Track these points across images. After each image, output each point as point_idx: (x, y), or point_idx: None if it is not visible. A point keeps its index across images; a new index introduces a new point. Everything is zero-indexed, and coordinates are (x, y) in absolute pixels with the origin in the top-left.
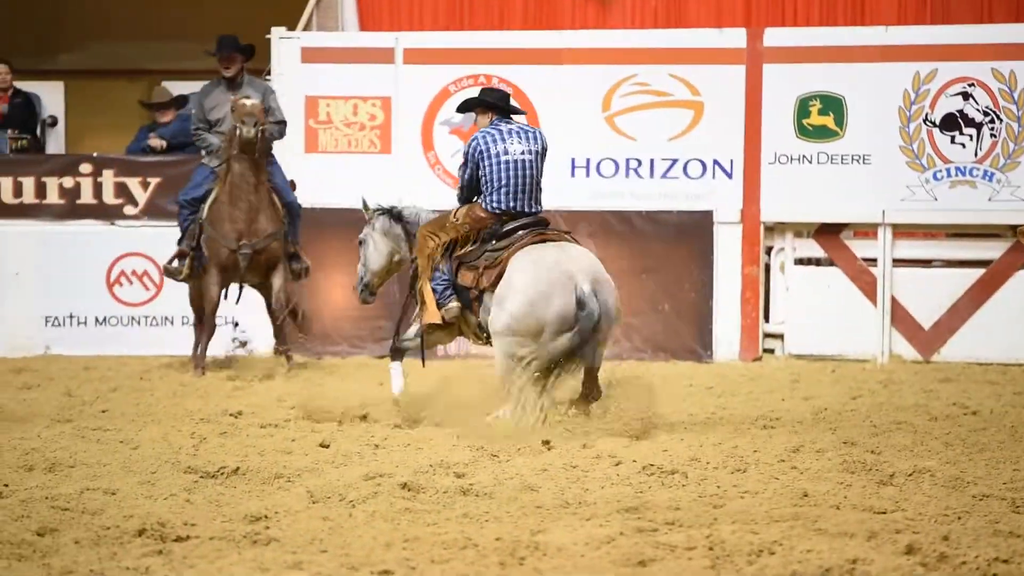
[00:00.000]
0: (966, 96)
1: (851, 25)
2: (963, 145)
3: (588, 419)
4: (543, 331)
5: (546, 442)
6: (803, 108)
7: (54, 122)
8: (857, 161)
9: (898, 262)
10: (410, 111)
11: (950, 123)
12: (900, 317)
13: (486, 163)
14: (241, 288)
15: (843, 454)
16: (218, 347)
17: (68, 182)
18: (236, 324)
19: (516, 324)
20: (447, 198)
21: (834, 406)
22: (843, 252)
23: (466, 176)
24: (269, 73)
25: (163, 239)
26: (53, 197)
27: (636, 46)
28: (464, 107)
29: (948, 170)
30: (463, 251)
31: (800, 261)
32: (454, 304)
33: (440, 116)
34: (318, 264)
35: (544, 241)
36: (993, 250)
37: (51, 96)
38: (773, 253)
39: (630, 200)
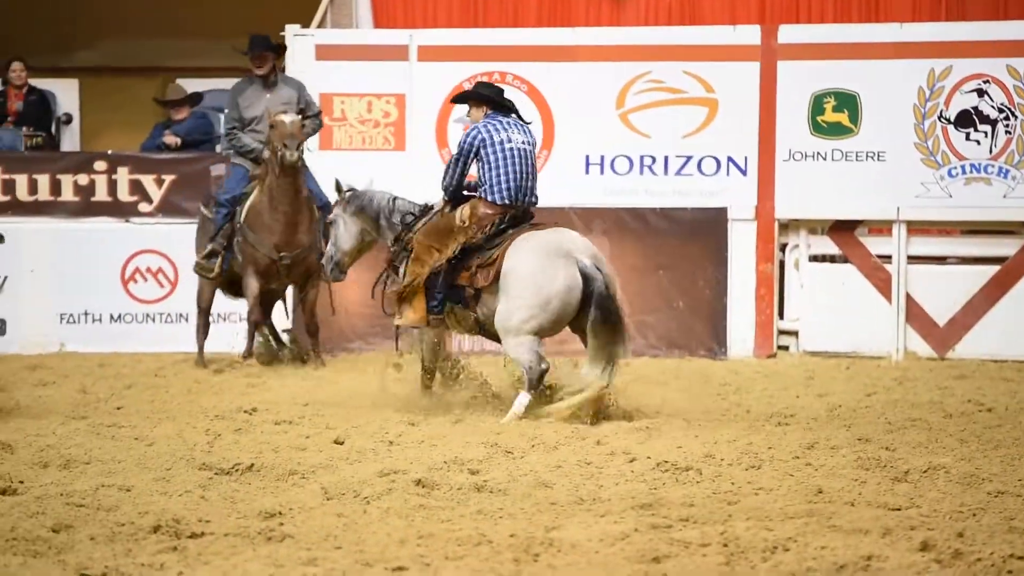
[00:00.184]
0: (981, 93)
1: (866, 22)
2: (978, 142)
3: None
4: (551, 303)
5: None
6: (817, 105)
7: (69, 119)
8: (872, 158)
9: (913, 259)
10: (424, 108)
11: (965, 120)
12: (915, 314)
13: (491, 153)
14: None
15: (858, 451)
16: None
17: (83, 179)
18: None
19: (524, 310)
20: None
21: (849, 403)
22: (858, 249)
23: (460, 167)
24: (284, 71)
25: (178, 236)
26: (68, 194)
27: (650, 43)
28: (459, 99)
29: (963, 167)
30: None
31: (815, 258)
32: (440, 317)
33: (454, 113)
34: None
35: (535, 229)
36: (1008, 247)
37: (66, 93)
38: (787, 250)
39: (644, 197)
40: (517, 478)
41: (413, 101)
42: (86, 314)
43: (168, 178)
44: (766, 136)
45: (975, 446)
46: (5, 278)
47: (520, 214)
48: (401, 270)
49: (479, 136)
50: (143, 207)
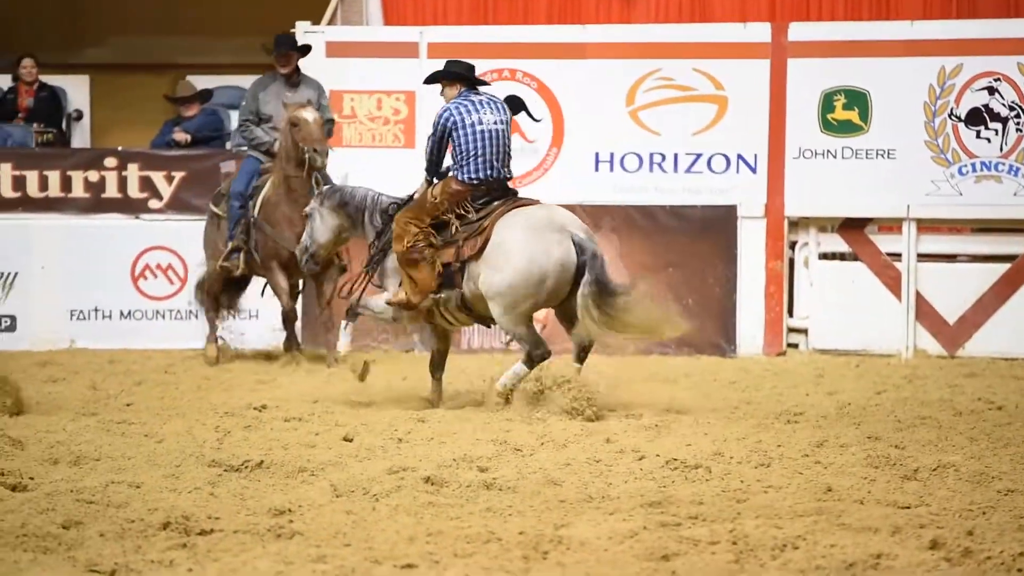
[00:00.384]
0: (992, 91)
1: (876, 19)
2: (988, 140)
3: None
4: (546, 280)
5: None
6: (828, 103)
7: (79, 116)
8: (882, 156)
9: (923, 257)
10: (434, 106)
11: (975, 118)
12: (925, 312)
13: (460, 134)
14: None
15: (867, 449)
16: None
17: (93, 176)
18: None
19: (519, 279)
20: None
21: (858, 401)
22: (868, 247)
23: (434, 145)
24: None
25: (188, 233)
26: (78, 191)
27: (660, 40)
28: (431, 79)
29: (973, 165)
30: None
31: (824, 256)
32: (438, 296)
33: None
34: None
35: (523, 205)
36: (1018, 245)
37: (76, 90)
38: (797, 248)
39: (654, 194)
40: (526, 476)
41: (423, 98)
42: (96, 310)
43: (178, 175)
44: (776, 134)
45: (985, 444)
46: (16, 274)
47: (497, 188)
48: (386, 265)
49: (451, 118)
50: (153, 204)
